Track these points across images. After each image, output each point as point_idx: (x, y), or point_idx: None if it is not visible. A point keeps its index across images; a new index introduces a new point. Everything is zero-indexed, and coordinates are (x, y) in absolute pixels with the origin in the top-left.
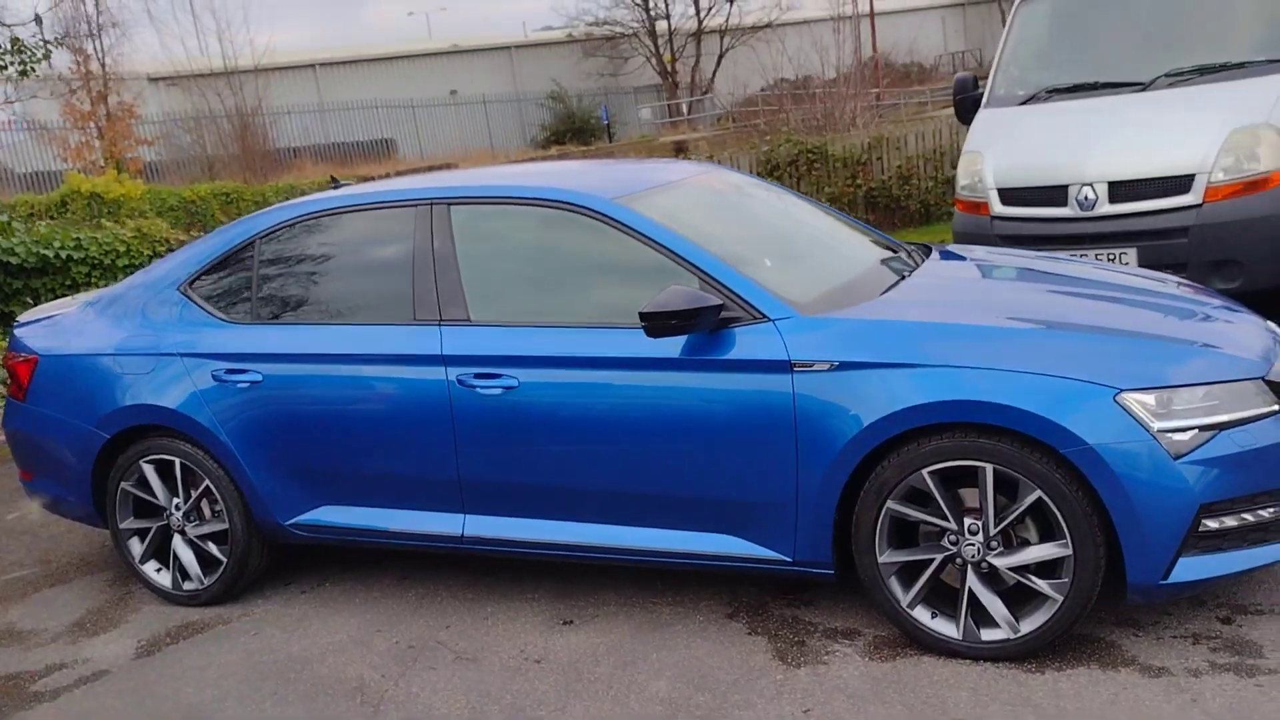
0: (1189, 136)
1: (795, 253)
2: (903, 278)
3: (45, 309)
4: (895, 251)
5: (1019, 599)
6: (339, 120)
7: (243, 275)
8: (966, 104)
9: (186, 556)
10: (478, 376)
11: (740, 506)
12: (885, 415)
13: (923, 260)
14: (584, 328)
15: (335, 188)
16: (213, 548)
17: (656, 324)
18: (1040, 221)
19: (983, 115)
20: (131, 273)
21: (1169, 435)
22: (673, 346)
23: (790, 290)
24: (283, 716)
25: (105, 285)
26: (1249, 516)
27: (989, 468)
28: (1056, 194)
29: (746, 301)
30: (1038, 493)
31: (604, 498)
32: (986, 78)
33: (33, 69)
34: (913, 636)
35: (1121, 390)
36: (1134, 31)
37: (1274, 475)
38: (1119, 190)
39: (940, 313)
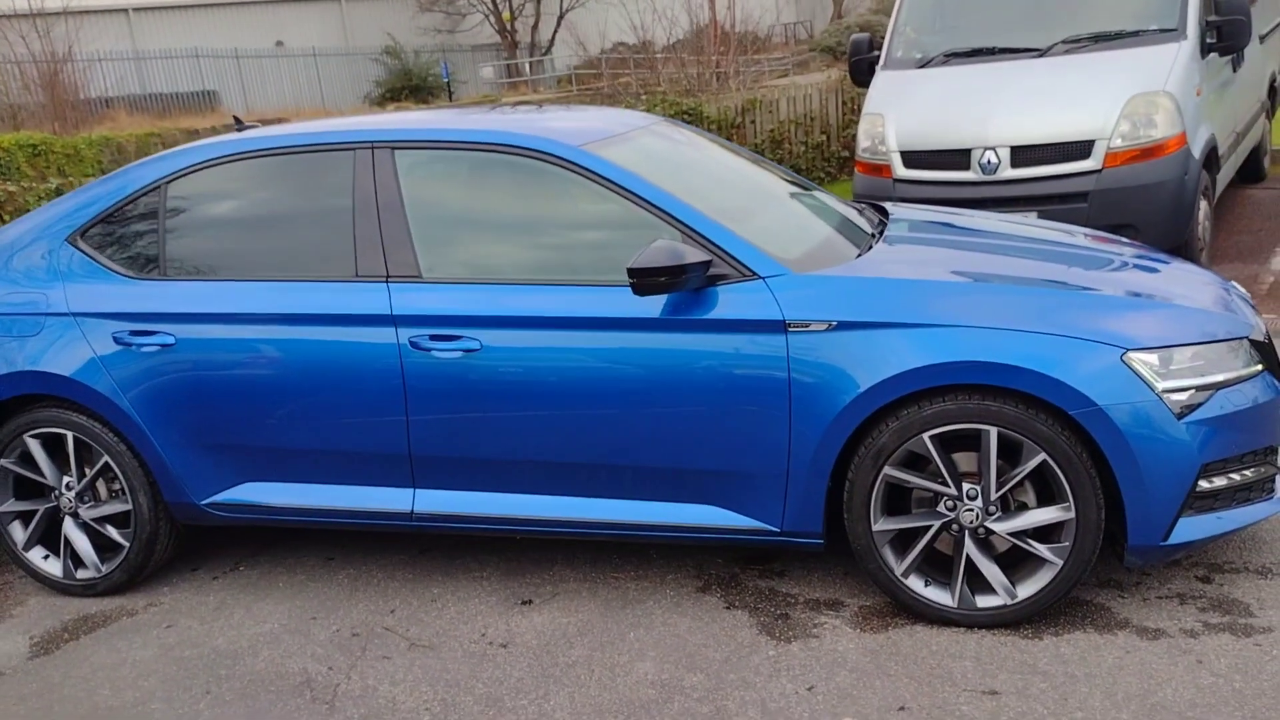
0: (1089, 102)
1: (766, 209)
2: (875, 236)
3: None
4: (857, 209)
5: (1014, 564)
6: (156, 69)
7: (147, 224)
8: (862, 66)
9: (81, 542)
10: (434, 339)
11: (726, 475)
12: (887, 378)
13: (885, 218)
14: (554, 285)
15: (240, 129)
16: (112, 532)
17: (645, 281)
18: (943, 185)
19: (881, 77)
20: None
21: (1170, 395)
22: (653, 306)
23: (775, 247)
24: (222, 718)
25: None
26: (1237, 476)
27: (993, 431)
28: (959, 158)
29: (734, 258)
30: (1042, 456)
31: (576, 469)
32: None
33: None
34: (905, 605)
35: (1128, 350)
36: None
37: (1258, 435)
38: (1021, 155)
39: (933, 271)
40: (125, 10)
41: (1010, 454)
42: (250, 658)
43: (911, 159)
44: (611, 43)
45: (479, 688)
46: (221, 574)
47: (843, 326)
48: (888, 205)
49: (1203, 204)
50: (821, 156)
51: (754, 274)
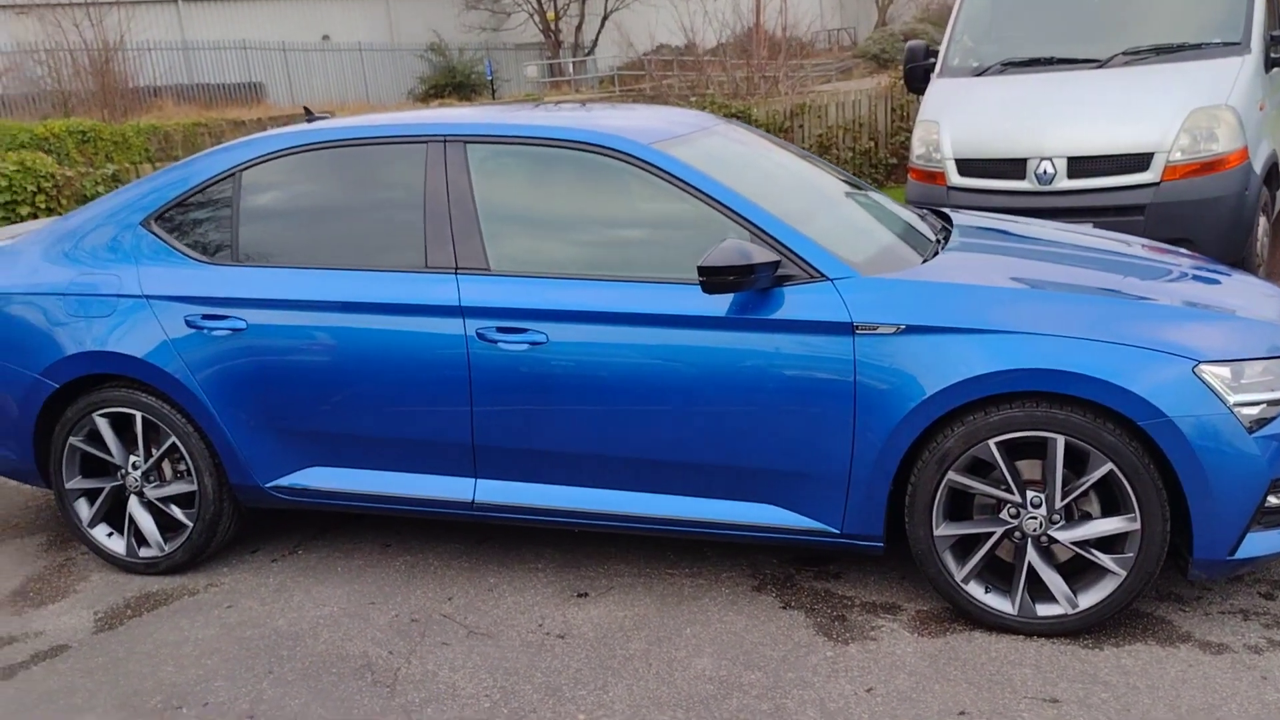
0: (1149, 115)
1: (830, 212)
2: (939, 242)
3: None
4: (919, 214)
5: (1075, 574)
6: (204, 60)
7: (222, 210)
8: (917, 73)
9: (145, 521)
10: (501, 330)
11: (787, 475)
12: (954, 383)
13: (948, 224)
14: (621, 281)
15: (310, 120)
16: (176, 511)
17: (714, 279)
18: (998, 194)
19: (937, 85)
20: (14, 209)
21: (1242, 409)
22: (719, 304)
23: (843, 249)
24: (285, 698)
25: None
26: None
27: (1060, 439)
28: (1015, 167)
29: (803, 259)
30: (1109, 466)
31: (637, 464)
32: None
33: None
34: (964, 611)
35: (1200, 362)
36: (1089, 7)
37: None
38: (1078, 166)
39: (1001, 277)
40: (175, 1)
41: (1075, 463)
42: (311, 640)
43: (966, 167)
44: (655, 44)
45: (538, 677)
46: (280, 556)
47: (911, 330)
48: (949, 211)
49: (1261, 220)
50: (869, 163)
51: (822, 275)
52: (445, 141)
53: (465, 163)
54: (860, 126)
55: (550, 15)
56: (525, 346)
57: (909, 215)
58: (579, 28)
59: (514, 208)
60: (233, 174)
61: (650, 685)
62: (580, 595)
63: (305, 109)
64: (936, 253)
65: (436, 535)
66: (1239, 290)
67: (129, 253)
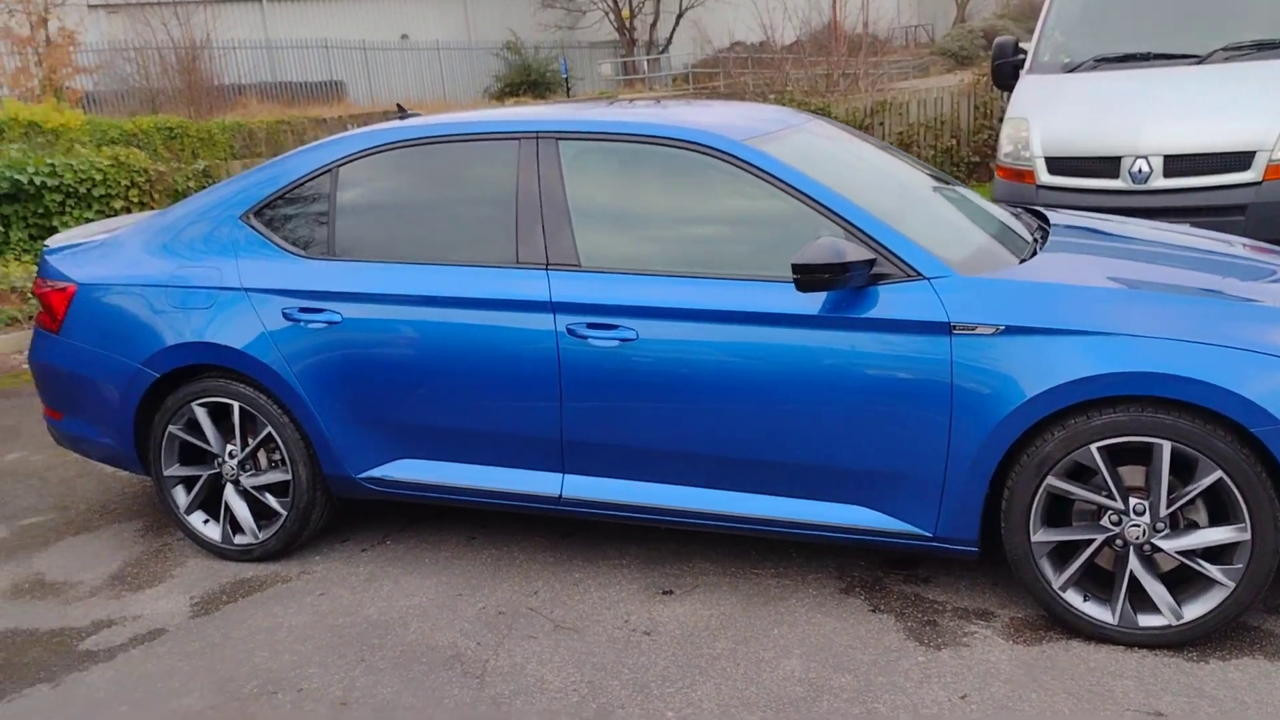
0: (1251, 112)
1: (925, 210)
2: (1037, 241)
3: (75, 234)
4: (1013, 214)
5: (1179, 584)
6: (287, 58)
7: (319, 205)
8: (1006, 69)
9: (240, 509)
10: (591, 327)
11: (880, 476)
12: (1055, 386)
13: (1044, 223)
14: (712, 278)
15: (402, 118)
16: (271, 500)
17: (808, 277)
18: (1090, 193)
19: (1027, 81)
20: (108, 202)
21: None
22: (812, 302)
23: (940, 248)
24: (377, 686)
25: (80, 215)
26: None
27: (1166, 445)
28: (1108, 166)
29: (899, 257)
30: (1219, 473)
31: (726, 462)
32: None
33: None
34: (1061, 620)
35: None
36: (1187, 2)
37: None
38: (1175, 164)
39: (1104, 278)
40: (259, 1)
41: (1180, 469)
42: (401, 629)
43: (1057, 165)
44: (730, 42)
45: (625, 673)
46: (370, 546)
47: (1010, 331)
48: (1044, 210)
49: None
50: (951, 161)
51: (919, 274)
52: (538, 138)
53: (557, 159)
54: (942, 124)
55: (625, 13)
56: (615, 343)
57: (1002, 214)
58: (653, 25)
59: (605, 204)
60: (330, 169)
61: (738, 685)
62: (665, 593)
63: (398, 106)
64: (1035, 252)
65: (521, 529)
66: None
67: (228, 246)
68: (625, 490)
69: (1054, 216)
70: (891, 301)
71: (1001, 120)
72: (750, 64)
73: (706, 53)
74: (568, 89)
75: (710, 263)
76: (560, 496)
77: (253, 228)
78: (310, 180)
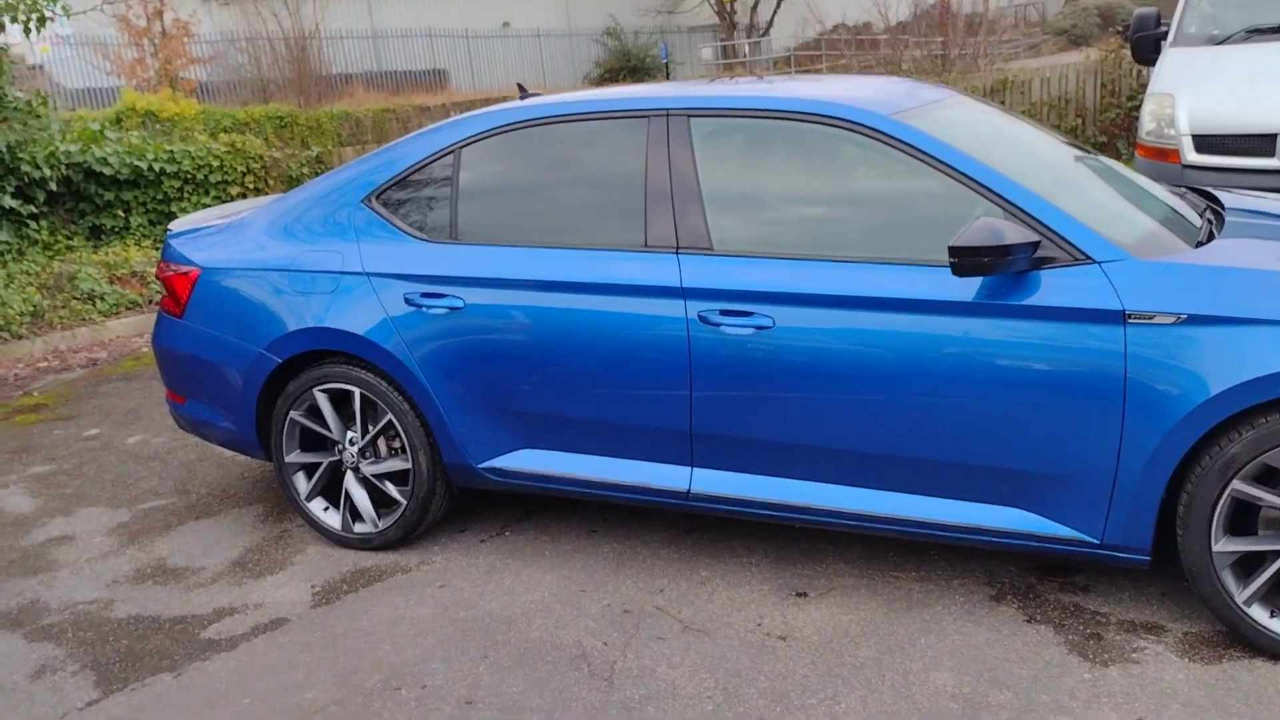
0: None
1: (1088, 190)
2: (1214, 223)
3: (197, 218)
4: (1178, 194)
5: None
6: (392, 47)
7: (441, 188)
8: (1147, 42)
9: (360, 497)
10: (724, 314)
11: (1040, 478)
12: (1246, 381)
13: (1215, 205)
14: (855, 262)
15: (523, 97)
16: (390, 488)
17: (967, 260)
18: (1241, 173)
19: (1172, 54)
20: (225, 188)
21: None
22: (967, 288)
23: (1109, 230)
24: (502, 685)
25: (198, 201)
26: None
27: None
28: (1262, 144)
29: (1066, 239)
30: None
31: (869, 459)
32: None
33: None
34: (1244, 637)
35: None
36: None
37: None
38: None
39: None
40: None
41: None
42: (524, 625)
43: (1205, 144)
44: (832, 24)
45: (762, 681)
46: (489, 537)
47: (1194, 321)
48: (1215, 191)
49: None
50: (1077, 140)
51: (1088, 258)
52: (668, 115)
53: (689, 137)
54: (1066, 103)
55: None
56: (750, 331)
57: (1166, 193)
58: (754, 8)
59: (739, 184)
60: (452, 151)
61: (886, 699)
62: (799, 594)
63: (519, 86)
64: (1211, 235)
65: (643, 522)
66: None
67: (350, 230)
68: (757, 486)
69: (1226, 198)
70: (1058, 287)
71: (1131, 98)
72: (854, 45)
73: (808, 35)
74: (668, 73)
75: (853, 246)
76: (689, 492)
77: (375, 211)
78: (433, 162)
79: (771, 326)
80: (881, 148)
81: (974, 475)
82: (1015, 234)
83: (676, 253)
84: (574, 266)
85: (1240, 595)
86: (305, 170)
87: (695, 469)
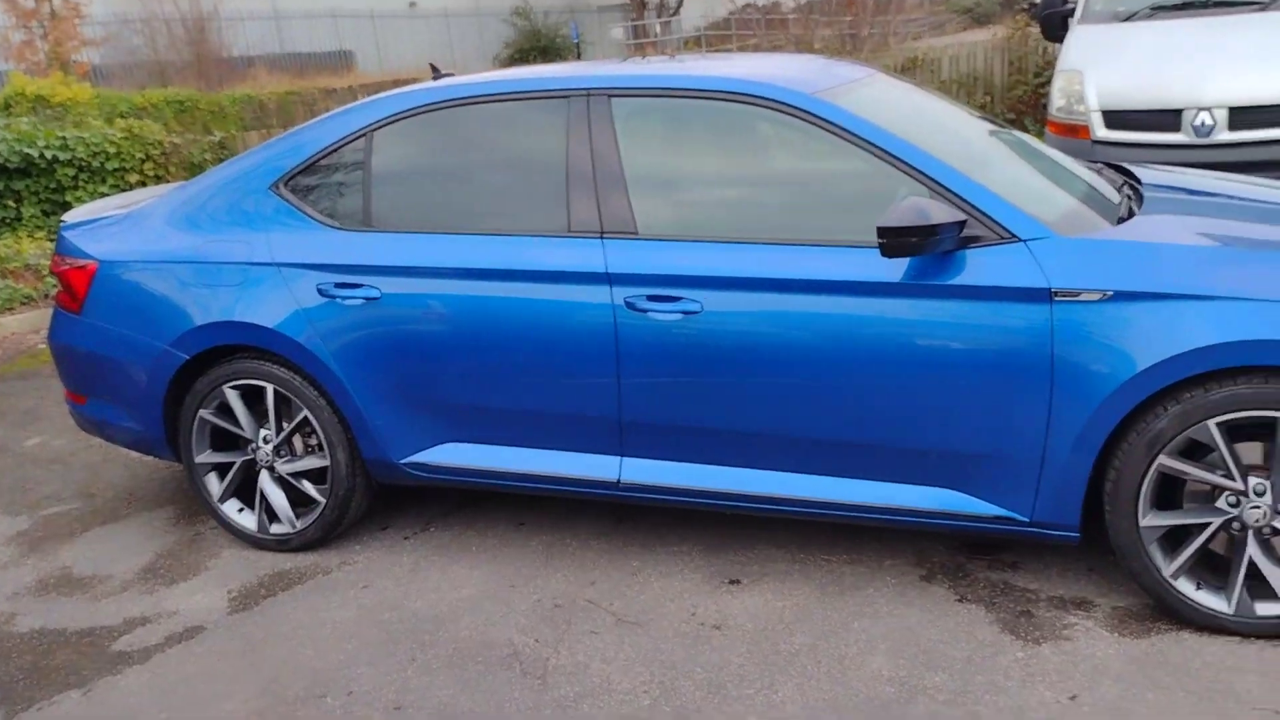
0: None
1: (1008, 168)
2: (1132, 199)
3: (94, 208)
4: (1094, 170)
5: None
6: (295, 28)
7: (353, 173)
8: (1055, 19)
9: (276, 497)
10: (651, 299)
11: (970, 457)
12: (1171, 356)
13: (1131, 180)
14: (783, 245)
15: (437, 78)
16: (308, 487)
17: (896, 241)
18: (1150, 148)
19: (1079, 31)
20: (122, 176)
21: None
22: (894, 269)
23: (1034, 207)
24: (431, 688)
25: (94, 190)
26: None
27: None
28: (1169, 119)
29: (991, 218)
30: None
31: (800, 443)
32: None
33: None
34: (1171, 609)
35: None
36: None
37: None
38: (1240, 117)
39: (1215, 238)
40: None
41: None
42: (453, 624)
43: (1114, 119)
44: (741, 3)
45: (698, 672)
46: (412, 534)
47: (1120, 297)
48: (1131, 166)
49: None
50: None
51: (1013, 236)
52: (589, 95)
53: (610, 117)
54: (975, 81)
55: None
56: (678, 316)
57: (1085, 170)
58: None
59: (663, 166)
60: (364, 134)
61: (823, 685)
62: (732, 582)
63: (432, 66)
64: (1131, 211)
65: (572, 514)
66: None
67: (258, 219)
68: (689, 474)
69: (1142, 174)
70: (984, 266)
71: (1038, 75)
72: (764, 25)
73: (718, 14)
74: (579, 54)
75: (780, 228)
76: (619, 481)
77: (283, 198)
78: (343, 146)
79: (700, 311)
80: (805, 127)
81: (905, 457)
82: (942, 213)
83: (601, 237)
84: (495, 253)
85: (1167, 569)
86: (208, 156)
87: (625, 458)
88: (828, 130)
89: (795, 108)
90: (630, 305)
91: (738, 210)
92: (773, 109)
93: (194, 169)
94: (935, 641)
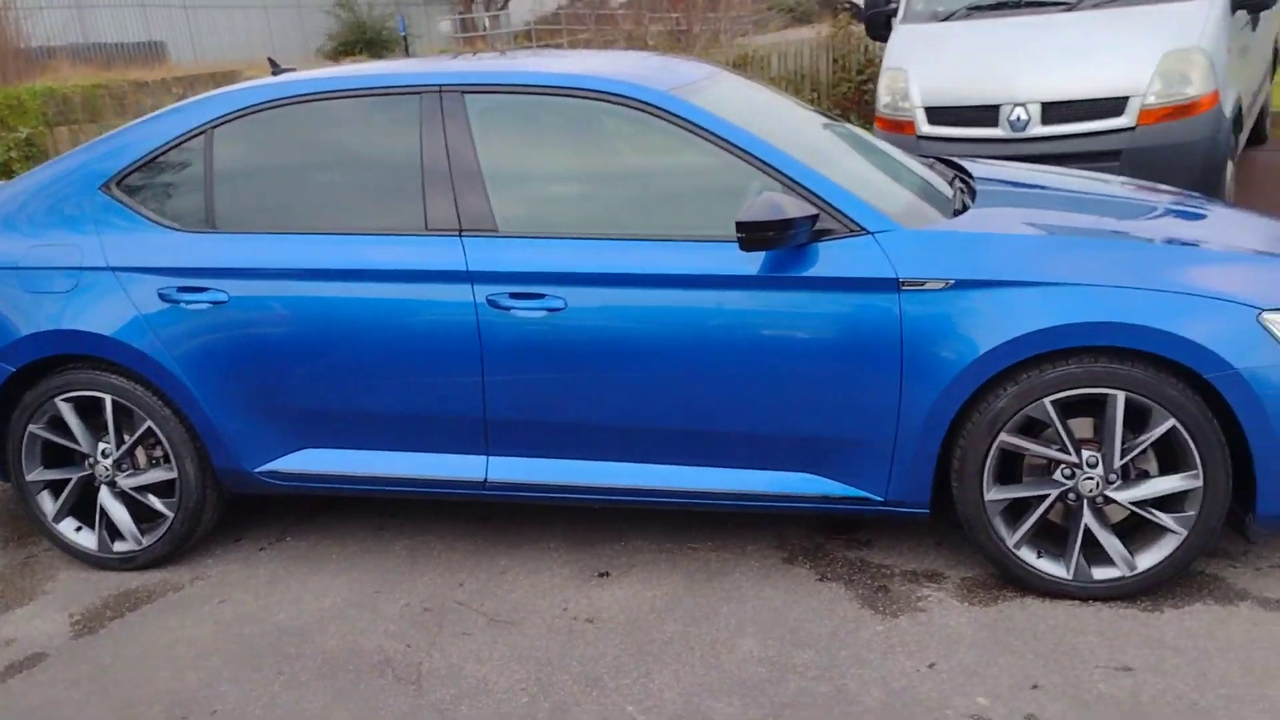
0: (1123, 58)
1: (852, 164)
2: (963, 192)
3: None
4: (927, 164)
5: (1129, 535)
6: (100, 17)
7: (192, 172)
8: (879, 19)
9: (118, 513)
10: (514, 296)
11: (826, 442)
12: (1009, 340)
13: (963, 174)
14: (643, 240)
15: (276, 73)
16: (154, 500)
17: (754, 235)
18: (970, 142)
19: (902, 31)
20: None
21: None
22: (751, 262)
23: (879, 202)
24: (302, 702)
25: None
26: None
27: (1120, 395)
28: (987, 114)
29: (841, 212)
30: (1172, 421)
31: (667, 435)
32: None
33: None
34: (1015, 578)
35: (1263, 310)
36: None
37: None
38: (1052, 111)
39: (1047, 227)
40: None
41: (1132, 419)
42: (319, 635)
43: (936, 115)
44: None
45: (574, 666)
46: (268, 544)
47: (961, 285)
48: (963, 161)
49: (1229, 165)
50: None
51: (862, 229)
52: (441, 91)
53: (464, 114)
54: (802, 78)
55: None
56: (542, 313)
57: (918, 165)
58: None
59: (521, 163)
60: (203, 132)
61: (697, 670)
62: (601, 575)
63: (270, 60)
64: (965, 205)
65: (435, 516)
66: (1267, 232)
67: (88, 221)
68: (556, 470)
69: (973, 168)
70: (836, 258)
71: (860, 72)
72: (593, 20)
73: (547, 8)
74: (406, 48)
75: (641, 224)
76: (486, 480)
77: (116, 199)
78: (181, 144)
79: (564, 308)
80: (662, 125)
81: (766, 444)
82: (795, 208)
83: (460, 235)
84: (350, 253)
85: (1011, 539)
86: (14, 154)
87: (491, 457)
88: (684, 128)
89: (654, 106)
90: (493, 303)
91: (598, 207)
92: (631, 107)
93: None
94: (800, 620)
